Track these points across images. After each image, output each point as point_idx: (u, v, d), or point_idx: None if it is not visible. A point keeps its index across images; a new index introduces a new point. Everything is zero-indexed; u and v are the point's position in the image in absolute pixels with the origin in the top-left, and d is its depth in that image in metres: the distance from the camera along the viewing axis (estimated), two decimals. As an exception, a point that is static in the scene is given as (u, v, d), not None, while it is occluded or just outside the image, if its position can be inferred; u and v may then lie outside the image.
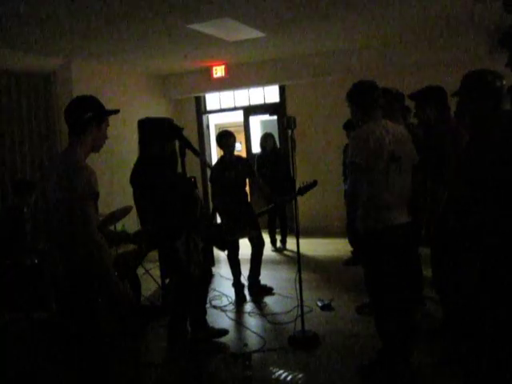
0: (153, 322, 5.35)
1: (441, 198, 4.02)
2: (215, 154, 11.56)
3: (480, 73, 3.30)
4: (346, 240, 7.37)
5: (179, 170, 3.72)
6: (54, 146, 8.35)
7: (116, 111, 3.13)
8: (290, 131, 4.66)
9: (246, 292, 6.17)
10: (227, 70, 9.82)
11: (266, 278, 6.42)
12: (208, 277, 4.88)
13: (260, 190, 6.28)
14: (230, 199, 5.85)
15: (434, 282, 4.46)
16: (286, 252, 8.54)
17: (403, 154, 3.69)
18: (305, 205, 8.56)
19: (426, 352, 4.11)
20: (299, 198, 4.97)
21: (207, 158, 10.87)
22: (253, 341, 4.79)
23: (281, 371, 4.14)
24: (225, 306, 5.84)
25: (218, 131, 11.77)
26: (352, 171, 3.73)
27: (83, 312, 2.81)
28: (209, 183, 6.41)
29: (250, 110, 10.68)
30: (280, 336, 4.85)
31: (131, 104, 9.26)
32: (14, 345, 4.95)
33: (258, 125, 11.52)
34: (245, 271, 6.17)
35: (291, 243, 8.48)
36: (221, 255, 6.79)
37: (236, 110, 10.87)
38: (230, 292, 6.17)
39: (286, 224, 8.78)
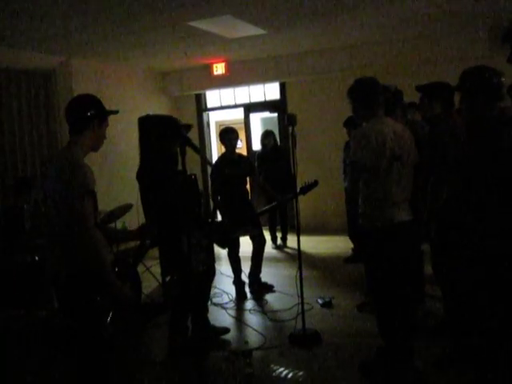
0: (153, 319, 5.34)
1: (441, 196, 4.02)
2: (215, 151, 11.55)
3: (478, 69, 3.30)
4: (347, 237, 7.36)
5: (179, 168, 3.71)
6: (54, 144, 8.34)
7: (115, 111, 3.12)
8: (290, 128, 4.65)
9: (247, 289, 6.17)
10: (227, 68, 9.80)
11: (266, 275, 6.42)
12: (211, 274, 4.88)
13: (261, 189, 6.27)
14: (230, 197, 5.85)
15: (436, 278, 4.45)
16: (286, 249, 8.54)
17: (405, 152, 3.69)
18: (305, 202, 8.53)
19: (427, 349, 4.10)
20: (300, 196, 4.97)
21: (207, 156, 10.86)
22: (253, 338, 4.79)
23: (281, 369, 4.14)
24: (225, 303, 5.84)
25: (218, 128, 11.78)
26: (352, 170, 3.72)
27: (83, 310, 2.80)
28: (209, 180, 6.41)
29: (250, 108, 10.67)
30: (281, 333, 4.85)
31: (131, 101, 9.24)
32: (14, 342, 4.94)
33: (259, 122, 11.51)
34: (245, 269, 6.17)
35: (292, 240, 8.48)
36: (221, 253, 6.78)
37: (236, 108, 10.86)
38: (231, 289, 6.17)
39: (286, 221, 8.78)
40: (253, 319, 5.37)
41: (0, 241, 5.67)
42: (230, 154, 5.95)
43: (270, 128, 9.14)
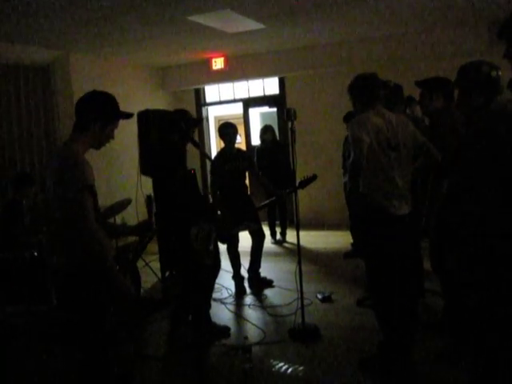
0: (152, 314, 5.34)
1: (441, 192, 4.01)
2: (214, 146, 11.54)
3: (475, 64, 3.31)
4: (346, 232, 7.37)
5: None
6: (52, 139, 8.32)
7: (125, 115, 3.01)
8: (290, 123, 4.65)
9: (246, 284, 6.17)
10: (226, 62, 9.77)
11: (265, 270, 6.42)
12: (216, 270, 4.87)
13: (260, 183, 6.27)
14: (229, 192, 5.84)
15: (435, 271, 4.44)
16: (285, 244, 8.54)
17: (402, 142, 3.71)
18: (305, 197, 8.54)
19: (427, 344, 4.11)
20: (299, 191, 4.97)
21: (207, 151, 10.85)
22: (253, 333, 4.79)
23: (281, 364, 4.14)
24: (225, 298, 5.85)
25: (217, 123, 11.76)
26: (355, 148, 3.65)
27: (83, 305, 2.79)
28: (208, 175, 6.41)
29: (249, 102, 10.65)
30: (280, 328, 4.86)
31: (130, 96, 9.19)
32: (14, 338, 4.94)
33: (258, 117, 11.49)
34: (245, 263, 6.17)
35: (291, 235, 8.48)
36: (221, 248, 6.77)
37: (235, 102, 10.84)
38: (230, 284, 6.16)
39: (285, 216, 8.78)
40: (252, 314, 5.37)
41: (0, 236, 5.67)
42: (229, 149, 5.94)
43: (269, 123, 9.13)
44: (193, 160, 9.05)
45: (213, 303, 4.87)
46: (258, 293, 6.01)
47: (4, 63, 7.72)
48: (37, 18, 6.04)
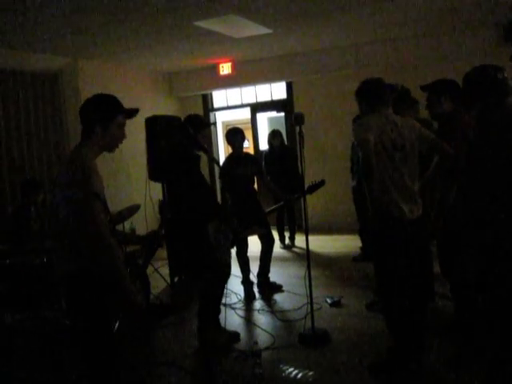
0: (161, 320, 5.34)
1: (447, 195, 4.00)
2: (222, 151, 11.54)
3: (480, 68, 3.32)
4: (355, 236, 7.34)
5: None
6: (61, 146, 8.35)
7: (131, 112, 2.98)
8: (298, 128, 4.64)
9: (256, 289, 6.16)
10: (234, 67, 9.79)
11: (275, 275, 6.40)
12: (226, 276, 4.87)
13: (268, 188, 6.27)
14: (238, 197, 5.84)
15: (443, 276, 4.41)
16: (294, 249, 8.53)
17: (408, 143, 3.71)
18: (313, 202, 8.52)
19: (437, 349, 4.08)
20: (308, 196, 4.96)
21: (215, 155, 10.85)
22: (263, 338, 4.77)
23: (291, 369, 4.12)
24: (234, 303, 5.83)
25: (225, 128, 11.77)
26: (363, 149, 3.65)
27: (88, 310, 2.78)
28: (217, 180, 6.41)
29: (257, 107, 10.64)
30: (290, 333, 4.84)
31: (138, 102, 9.11)
32: (23, 344, 4.95)
33: (266, 122, 11.50)
34: (254, 268, 6.16)
35: (300, 240, 8.47)
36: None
37: (243, 107, 10.84)
38: (240, 290, 6.15)
39: (294, 221, 8.77)
40: (262, 319, 5.35)
41: (8, 242, 5.69)
42: (237, 154, 5.95)
43: (276, 127, 9.11)
44: (201, 165, 9.07)
45: (222, 308, 4.86)
46: (267, 298, 5.99)
47: (13, 70, 7.76)
48: (45, 24, 6.07)
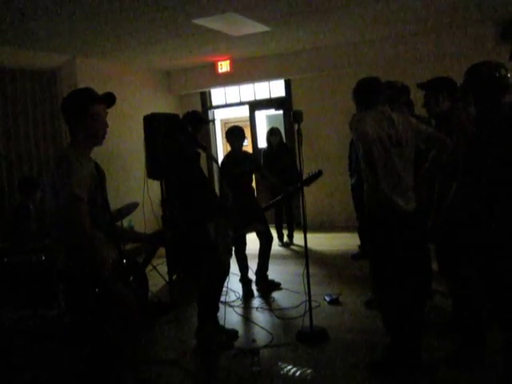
0: (160, 318, 5.35)
1: (448, 193, 4.00)
2: (221, 148, 11.54)
3: (479, 65, 3.32)
4: (353, 234, 7.34)
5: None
6: (59, 144, 8.33)
7: (106, 97, 2.91)
8: (296, 125, 4.64)
9: (254, 287, 6.17)
10: (232, 65, 9.78)
11: (273, 272, 6.41)
12: (224, 273, 4.88)
13: (269, 183, 6.28)
14: (237, 194, 5.84)
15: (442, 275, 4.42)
16: (293, 247, 8.53)
17: (404, 138, 3.73)
18: (312, 199, 8.54)
19: (436, 346, 4.08)
20: (306, 194, 4.95)
21: (213, 153, 10.85)
22: (261, 336, 4.78)
23: (289, 367, 4.13)
24: (232, 301, 5.84)
25: (223, 126, 11.77)
26: (363, 141, 3.68)
27: (84, 308, 2.78)
28: (215, 178, 6.41)
29: (255, 105, 10.63)
30: (288, 331, 4.84)
31: (136, 100, 9.23)
32: (22, 342, 4.95)
33: (264, 119, 11.49)
34: (252, 266, 6.17)
35: (298, 238, 8.46)
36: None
37: (241, 105, 10.82)
38: (238, 287, 6.16)
39: (292, 219, 8.77)
40: (260, 317, 5.36)
41: (8, 240, 5.69)
42: (236, 153, 5.95)
43: (275, 125, 9.11)
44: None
45: (220, 306, 4.87)
46: (265, 295, 6.00)
47: (11, 68, 7.75)
48: (43, 22, 6.05)
